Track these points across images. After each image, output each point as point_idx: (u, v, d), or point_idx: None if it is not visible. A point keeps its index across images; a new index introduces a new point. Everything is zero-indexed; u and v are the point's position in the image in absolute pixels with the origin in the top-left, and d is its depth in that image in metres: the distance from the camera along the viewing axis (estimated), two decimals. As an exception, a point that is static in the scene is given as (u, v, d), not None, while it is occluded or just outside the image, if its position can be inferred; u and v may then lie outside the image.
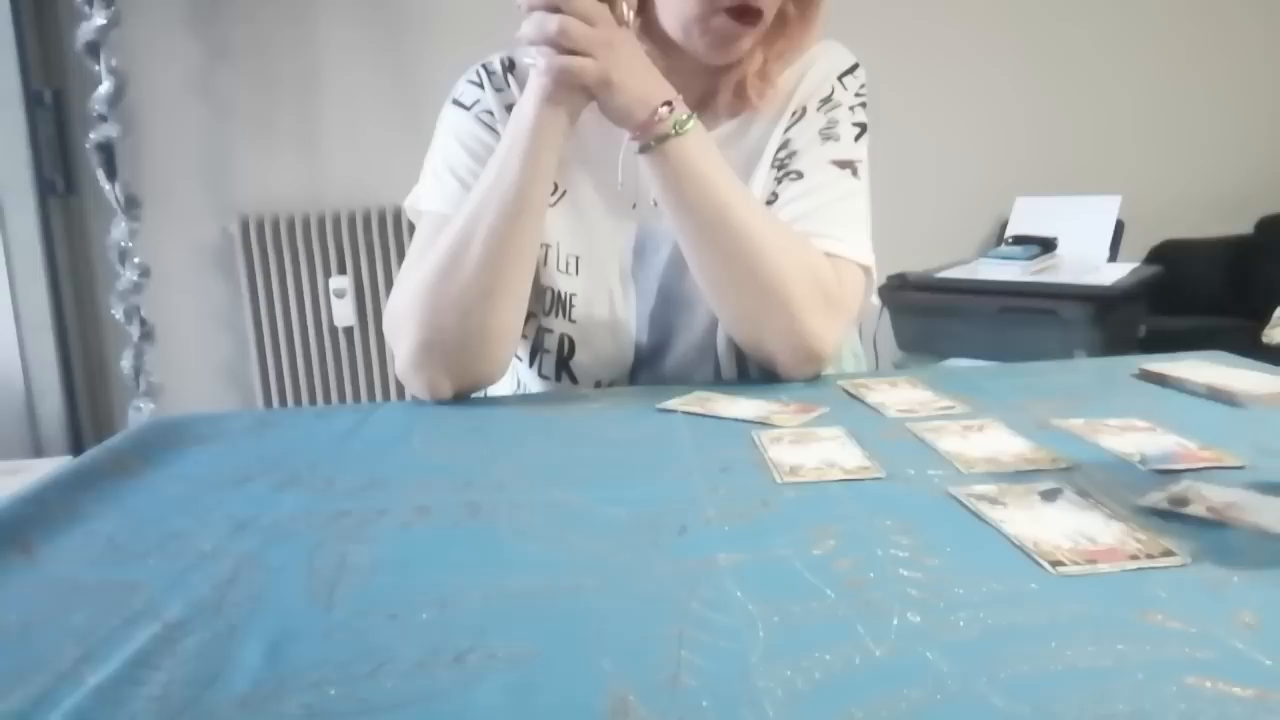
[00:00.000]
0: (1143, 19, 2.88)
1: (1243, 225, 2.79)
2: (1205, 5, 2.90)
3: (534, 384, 0.88)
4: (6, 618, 0.39)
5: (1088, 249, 2.42)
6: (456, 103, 0.86)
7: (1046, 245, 2.40)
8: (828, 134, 0.85)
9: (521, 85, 0.85)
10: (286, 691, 0.32)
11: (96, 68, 2.36)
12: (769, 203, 0.83)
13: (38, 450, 2.60)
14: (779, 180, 0.84)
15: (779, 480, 0.52)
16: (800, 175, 0.83)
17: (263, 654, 0.35)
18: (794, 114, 0.86)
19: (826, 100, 0.86)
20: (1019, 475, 0.51)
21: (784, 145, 0.85)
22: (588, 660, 0.33)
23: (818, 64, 0.88)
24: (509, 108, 0.83)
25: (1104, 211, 2.47)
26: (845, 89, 0.87)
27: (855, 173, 0.85)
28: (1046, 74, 2.88)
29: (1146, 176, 2.84)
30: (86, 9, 2.31)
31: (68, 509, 0.52)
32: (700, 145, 0.75)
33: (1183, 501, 0.46)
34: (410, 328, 0.75)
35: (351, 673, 0.33)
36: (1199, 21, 2.90)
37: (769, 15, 0.78)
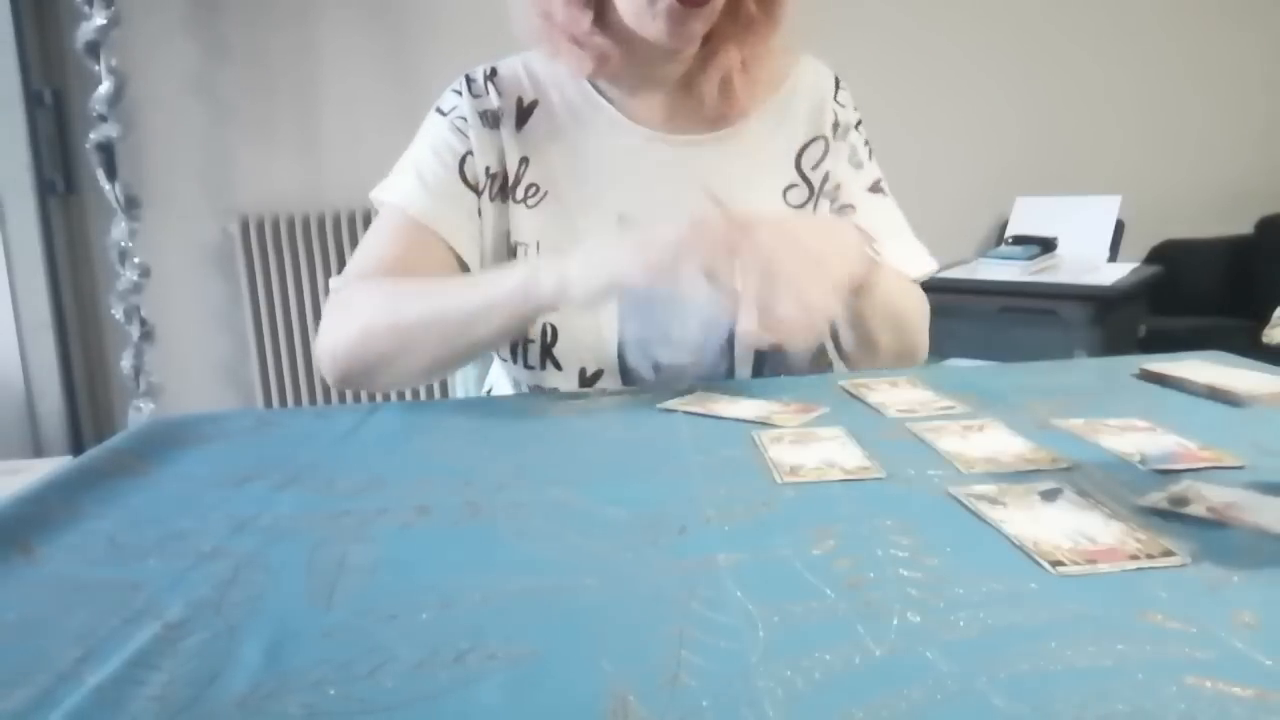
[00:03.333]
0: (1143, 19, 2.88)
1: (1243, 225, 2.80)
2: (1205, 5, 2.90)
3: (522, 376, 0.89)
4: (6, 618, 0.39)
5: (1088, 249, 2.42)
6: (438, 110, 0.89)
7: (1046, 245, 2.40)
8: (855, 162, 0.94)
9: (501, 92, 0.88)
10: (286, 691, 0.32)
11: (96, 68, 2.35)
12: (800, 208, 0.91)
13: (38, 450, 2.60)
14: (839, 214, 0.92)
15: (779, 480, 0.52)
16: (853, 208, 0.93)
17: (263, 654, 0.35)
18: (809, 141, 0.91)
19: (836, 127, 0.92)
20: (1019, 475, 0.51)
21: (826, 178, 0.91)
22: (588, 660, 0.33)
23: (803, 86, 0.92)
24: (483, 114, 0.87)
25: (1104, 211, 2.47)
26: (844, 107, 0.94)
27: (883, 190, 0.95)
28: (1047, 74, 2.88)
29: (1146, 176, 2.84)
30: (86, 9, 2.31)
31: (68, 509, 0.52)
32: (885, 274, 0.79)
33: (1183, 501, 0.46)
34: (330, 351, 0.79)
35: (351, 673, 0.33)
36: (1199, 22, 2.90)
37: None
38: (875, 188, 0.95)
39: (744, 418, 0.66)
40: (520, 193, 0.87)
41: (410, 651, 0.34)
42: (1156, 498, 0.46)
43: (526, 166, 0.87)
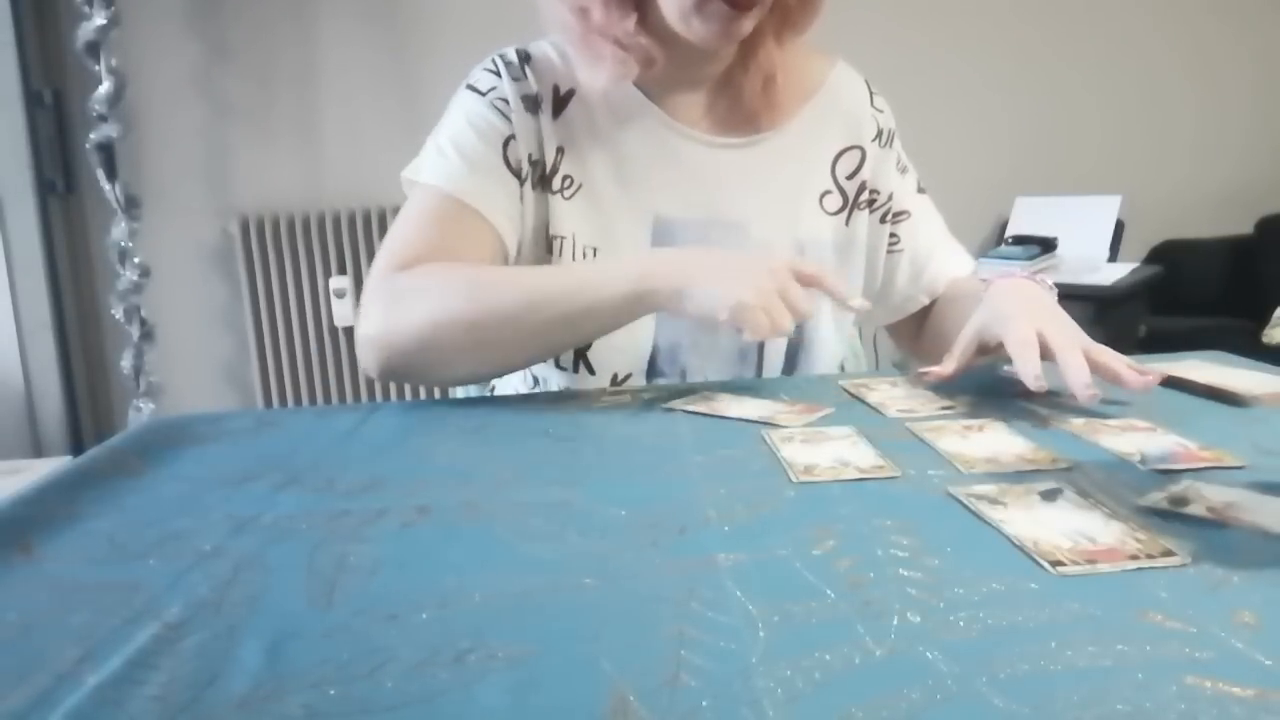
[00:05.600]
0: (1143, 19, 2.88)
1: (1243, 225, 2.80)
2: (1206, 5, 2.90)
3: (552, 376, 0.88)
4: (6, 618, 0.39)
5: (1088, 249, 2.42)
6: (471, 88, 0.85)
7: (1046, 245, 2.40)
8: (901, 167, 0.96)
9: (538, 76, 0.85)
10: (286, 691, 0.32)
11: (96, 68, 2.35)
12: (891, 245, 0.94)
13: (38, 450, 2.60)
14: (894, 221, 0.94)
15: (794, 479, 0.52)
16: (908, 214, 0.95)
17: (263, 654, 0.35)
18: (844, 149, 0.91)
19: (880, 135, 0.93)
20: (1019, 475, 0.51)
21: (875, 190, 0.92)
22: (588, 660, 0.33)
23: (837, 92, 0.92)
24: (524, 98, 0.83)
25: (1104, 211, 2.47)
26: (882, 113, 0.94)
27: (924, 189, 0.98)
28: (1047, 74, 2.88)
29: (1146, 176, 2.84)
30: (86, 9, 2.31)
31: (68, 509, 0.52)
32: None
33: (1183, 501, 0.46)
34: (382, 339, 0.74)
35: (351, 673, 0.33)
36: (1199, 22, 2.90)
37: None
38: (919, 189, 0.97)
39: (748, 418, 0.66)
40: (557, 183, 0.84)
41: (410, 651, 0.34)
42: (1156, 498, 0.46)
43: (562, 156, 0.85)
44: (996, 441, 0.58)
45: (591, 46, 0.80)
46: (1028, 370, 0.64)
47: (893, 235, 0.94)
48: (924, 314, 0.98)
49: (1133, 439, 0.57)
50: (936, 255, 0.96)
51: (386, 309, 0.74)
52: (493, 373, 0.74)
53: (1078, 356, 0.64)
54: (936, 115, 2.81)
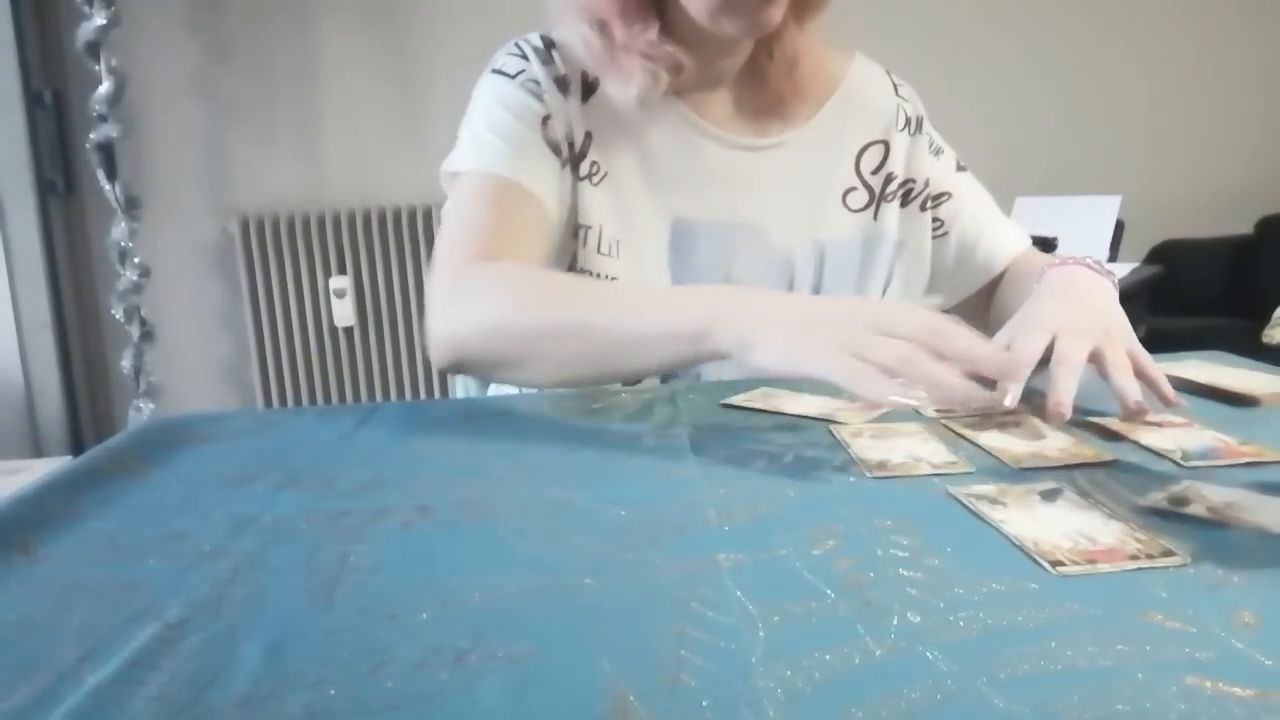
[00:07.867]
0: (1143, 19, 2.88)
1: (1243, 225, 2.80)
2: (1206, 5, 2.90)
3: None
4: (6, 618, 0.39)
5: (1088, 249, 2.41)
6: (498, 72, 0.84)
7: (1047, 245, 2.39)
8: (935, 149, 0.95)
9: (566, 60, 0.84)
10: (286, 691, 0.32)
11: (96, 68, 2.36)
12: (936, 229, 0.93)
13: (38, 450, 2.60)
14: (935, 207, 0.93)
15: (866, 476, 0.52)
16: (948, 195, 0.93)
17: (263, 654, 0.35)
18: (868, 144, 0.90)
19: (908, 123, 0.93)
20: (1066, 470, 0.51)
21: (911, 179, 0.92)
22: (588, 660, 0.33)
23: (859, 87, 0.91)
24: (557, 80, 0.82)
25: (1104, 211, 2.47)
26: (909, 100, 0.94)
27: (965, 167, 0.96)
28: (1047, 74, 2.88)
29: (1146, 176, 2.84)
30: (86, 9, 2.31)
31: (68, 509, 0.52)
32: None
33: (1183, 501, 0.46)
34: (450, 338, 0.72)
35: (351, 673, 0.33)
36: (1199, 21, 2.90)
37: None
38: (959, 167, 0.96)
39: (808, 414, 0.65)
40: (585, 168, 0.83)
41: (410, 651, 0.34)
42: (1156, 498, 0.46)
43: (590, 142, 0.83)
44: (1037, 437, 0.58)
45: (617, 61, 0.79)
46: (1001, 386, 0.59)
47: (935, 220, 0.93)
48: (988, 294, 0.95)
49: (1171, 435, 0.57)
50: (986, 233, 0.94)
51: (452, 307, 0.72)
52: (562, 383, 0.69)
53: (1121, 375, 0.60)
54: (936, 115, 2.80)
